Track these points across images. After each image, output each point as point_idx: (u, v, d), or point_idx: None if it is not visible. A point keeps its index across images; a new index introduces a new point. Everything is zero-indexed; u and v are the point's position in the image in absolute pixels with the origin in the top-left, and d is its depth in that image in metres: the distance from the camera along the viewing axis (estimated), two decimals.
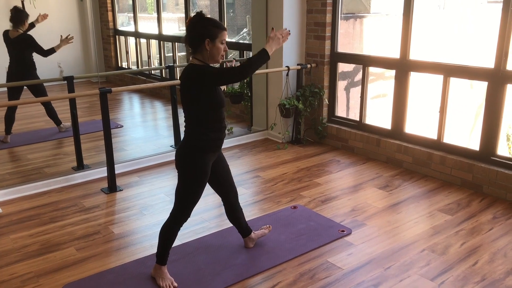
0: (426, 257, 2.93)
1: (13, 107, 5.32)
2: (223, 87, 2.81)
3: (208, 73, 2.43)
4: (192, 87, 2.46)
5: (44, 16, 5.36)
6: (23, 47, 5.12)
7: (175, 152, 2.62)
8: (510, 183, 3.66)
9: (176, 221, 2.63)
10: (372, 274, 2.77)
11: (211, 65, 2.54)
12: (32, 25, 5.27)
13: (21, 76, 5.11)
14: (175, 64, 7.32)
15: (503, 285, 2.65)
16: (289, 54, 5.04)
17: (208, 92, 2.47)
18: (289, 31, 2.61)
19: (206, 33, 2.45)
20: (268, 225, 3.19)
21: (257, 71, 5.15)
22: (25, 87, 5.23)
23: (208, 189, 2.76)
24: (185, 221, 2.65)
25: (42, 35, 5.32)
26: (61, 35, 5.21)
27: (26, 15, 5.15)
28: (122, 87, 4.53)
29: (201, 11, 2.49)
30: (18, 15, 5.10)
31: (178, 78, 4.79)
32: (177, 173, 2.62)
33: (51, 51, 5.20)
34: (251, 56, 5.16)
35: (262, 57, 2.49)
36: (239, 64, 2.48)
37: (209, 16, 2.54)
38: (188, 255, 2.97)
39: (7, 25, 5.11)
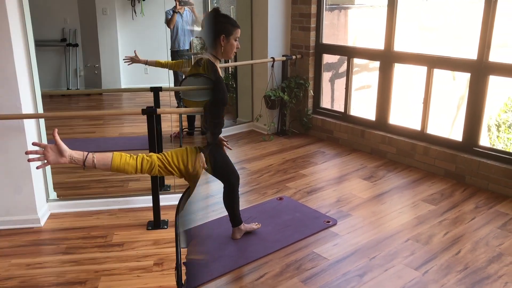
0: (411, 247, 2.97)
1: None
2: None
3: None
4: None
5: None
6: None
7: None
8: (492, 173, 3.72)
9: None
10: (358, 264, 2.79)
11: (222, 61, 2.68)
12: None
13: None
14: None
15: (485, 273, 2.70)
16: (274, 45, 5.02)
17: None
18: None
19: (222, 30, 2.52)
20: (258, 223, 3.18)
21: (242, 62, 5.16)
22: None
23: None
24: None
25: None
26: None
27: None
28: None
29: (218, 7, 2.56)
30: None
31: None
32: None
33: None
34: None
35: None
36: None
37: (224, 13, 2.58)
38: None
39: None
